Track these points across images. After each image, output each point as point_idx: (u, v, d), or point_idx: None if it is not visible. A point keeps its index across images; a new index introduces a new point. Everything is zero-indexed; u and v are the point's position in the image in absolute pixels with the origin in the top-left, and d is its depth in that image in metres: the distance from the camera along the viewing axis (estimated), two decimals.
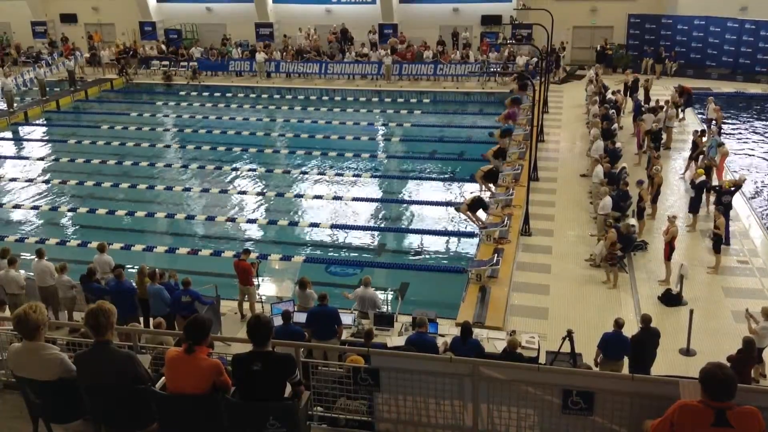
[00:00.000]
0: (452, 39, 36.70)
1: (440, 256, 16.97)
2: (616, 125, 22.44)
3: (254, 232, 18.64)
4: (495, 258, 14.80)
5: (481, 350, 10.33)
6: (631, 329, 11.31)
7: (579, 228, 17.37)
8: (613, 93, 26.47)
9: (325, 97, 33.14)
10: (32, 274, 13.38)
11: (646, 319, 10.87)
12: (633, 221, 16.14)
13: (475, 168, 20.12)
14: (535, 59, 32.25)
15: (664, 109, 22.82)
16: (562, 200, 19.04)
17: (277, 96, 33.45)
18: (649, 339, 10.79)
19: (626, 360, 10.86)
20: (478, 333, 11.29)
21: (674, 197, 19.11)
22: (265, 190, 21.39)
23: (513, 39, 34.50)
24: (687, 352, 12.11)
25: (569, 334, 10.23)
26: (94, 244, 16.27)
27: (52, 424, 5.66)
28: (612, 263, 14.62)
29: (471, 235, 17.62)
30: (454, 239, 17.75)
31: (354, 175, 22.33)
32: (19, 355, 5.23)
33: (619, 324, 10.80)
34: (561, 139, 24.64)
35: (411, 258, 16.81)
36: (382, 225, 18.56)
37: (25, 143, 28.25)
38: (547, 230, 17.04)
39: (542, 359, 10.75)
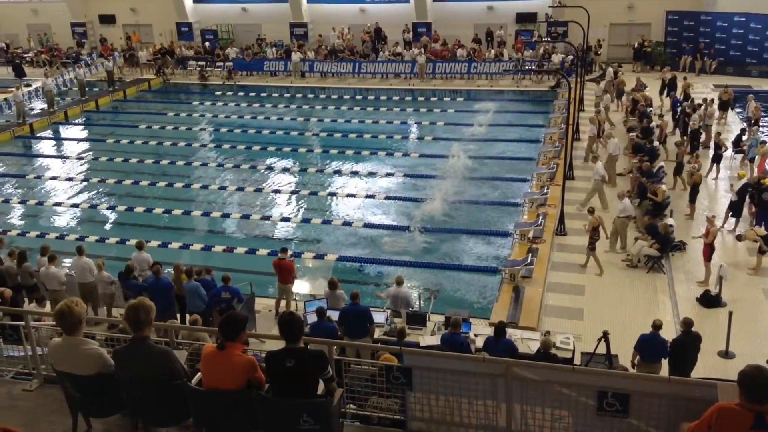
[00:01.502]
0: (486, 37, 36.49)
1: (473, 255, 16.87)
2: (653, 123, 22.09)
3: (288, 230, 18.77)
4: (529, 258, 14.69)
5: (515, 350, 10.25)
6: (668, 331, 11.13)
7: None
8: (632, 91, 26.08)
9: (358, 97, 33.23)
10: (72, 271, 13.67)
11: (687, 323, 10.61)
12: (671, 221, 15.87)
13: (507, 165, 19.95)
14: (570, 57, 31.92)
15: (702, 108, 22.40)
16: (599, 199, 18.79)
17: (311, 95, 33.64)
18: (690, 343, 10.56)
19: (665, 363, 10.67)
20: (511, 333, 11.21)
21: (713, 197, 18.74)
22: (298, 189, 21.53)
23: (548, 37, 34.18)
24: (726, 354, 11.88)
25: (605, 336, 10.11)
26: (132, 242, 16.61)
27: (90, 418, 5.78)
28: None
29: (505, 234, 17.50)
30: (487, 238, 17.64)
31: (386, 174, 22.33)
32: (59, 350, 5.34)
33: (656, 325, 10.62)
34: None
35: (444, 257, 16.75)
36: (415, 224, 18.49)
37: (65, 142, 28.85)
38: (582, 230, 16.83)
39: (577, 360, 10.63)
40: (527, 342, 11.30)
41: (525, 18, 36.22)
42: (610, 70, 29.45)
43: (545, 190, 18.58)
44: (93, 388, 5.37)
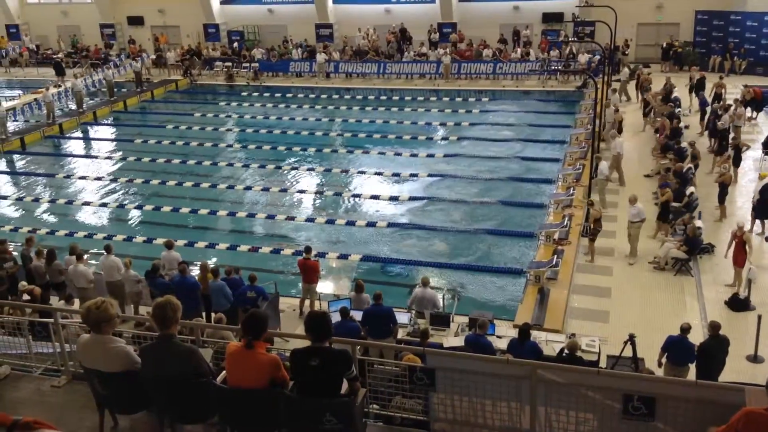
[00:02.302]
0: (512, 37, 36.31)
1: (498, 256, 16.80)
2: (682, 124, 21.83)
3: (312, 230, 18.84)
4: (554, 259, 14.57)
5: (540, 353, 10.19)
6: (696, 334, 10.98)
7: (643, 230, 16.93)
8: (646, 91, 25.82)
9: (383, 97, 33.26)
10: (100, 269, 13.86)
11: (714, 327, 10.42)
12: (699, 223, 15.65)
13: (532, 166, 19.86)
14: (597, 57, 31.64)
15: (732, 108, 22.07)
16: (625, 201, 18.56)
17: (336, 96, 33.74)
18: (717, 347, 10.38)
19: (692, 367, 10.53)
20: (536, 335, 11.14)
21: (743, 198, 18.44)
22: (323, 189, 21.61)
23: (575, 37, 33.92)
24: (754, 358, 11.68)
25: (631, 339, 10.01)
26: (159, 241, 16.82)
27: (117, 415, 5.85)
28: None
29: (529, 235, 17.40)
30: (512, 239, 17.55)
31: (411, 175, 22.32)
32: (87, 347, 5.41)
33: (683, 329, 10.48)
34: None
35: (468, 258, 16.70)
36: (439, 225, 18.48)
37: (93, 142, 29.28)
38: (609, 231, 16.65)
39: (603, 363, 10.53)
40: (552, 344, 11.22)
41: (551, 18, 35.97)
42: (626, 70, 29.19)
43: (571, 191, 18.44)
44: (119, 385, 5.43)
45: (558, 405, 5.42)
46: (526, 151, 24.41)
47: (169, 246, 14.25)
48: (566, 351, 10.09)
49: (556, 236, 15.95)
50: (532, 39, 36.07)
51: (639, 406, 5.11)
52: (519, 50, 34.80)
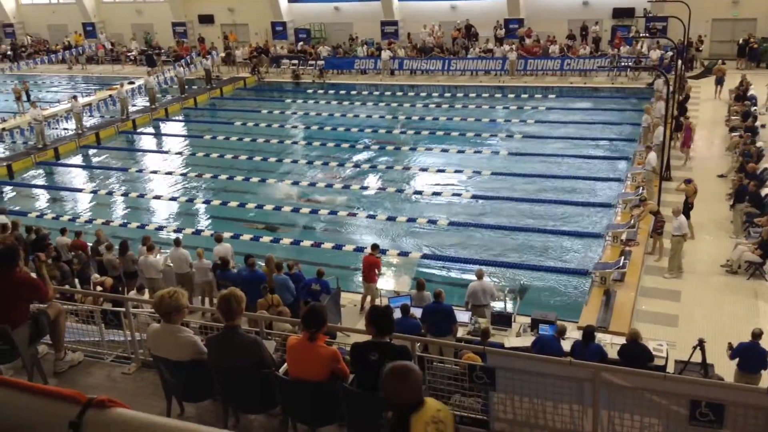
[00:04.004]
0: (581, 33, 35.59)
1: (562, 256, 16.52)
2: (758, 122, 20.97)
3: (373, 227, 18.93)
4: (621, 261, 14.22)
5: (604, 356, 9.98)
6: None
7: (715, 231, 16.38)
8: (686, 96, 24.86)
9: (447, 94, 33.09)
10: (169, 262, 14.28)
11: None
12: None
13: (600, 165, 19.42)
14: (669, 53, 30.68)
15: None
16: (698, 201, 17.98)
17: (400, 93, 33.74)
18: None
19: (765, 375, 10.12)
20: (600, 338, 10.91)
21: None
22: (385, 186, 21.68)
23: (646, 32, 32.97)
24: None
25: (700, 344, 9.71)
26: (226, 234, 17.27)
27: (184, 402, 6.03)
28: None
29: (595, 236, 17.05)
30: (577, 239, 17.23)
31: (474, 172, 22.16)
32: (156, 336, 5.60)
33: (755, 334, 10.09)
34: (697, 137, 23.28)
35: (531, 257, 16.47)
36: (502, 223, 18.28)
37: (164, 138, 30.19)
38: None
39: (670, 368, 10.24)
40: (617, 347, 10.96)
41: (622, 13, 35.02)
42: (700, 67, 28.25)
43: (640, 191, 17.95)
44: (187, 374, 5.59)
45: (622, 409, 5.31)
46: (592, 149, 23.91)
47: (218, 240, 14.62)
48: (627, 341, 9.89)
49: (623, 237, 15.57)
50: (602, 35, 35.26)
51: (707, 413, 4.96)
52: (588, 46, 34.08)
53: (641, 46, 32.85)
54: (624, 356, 9.91)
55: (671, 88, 19.80)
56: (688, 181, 16.87)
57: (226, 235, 18.01)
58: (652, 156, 18.17)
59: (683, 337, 11.68)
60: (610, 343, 11.05)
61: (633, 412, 5.26)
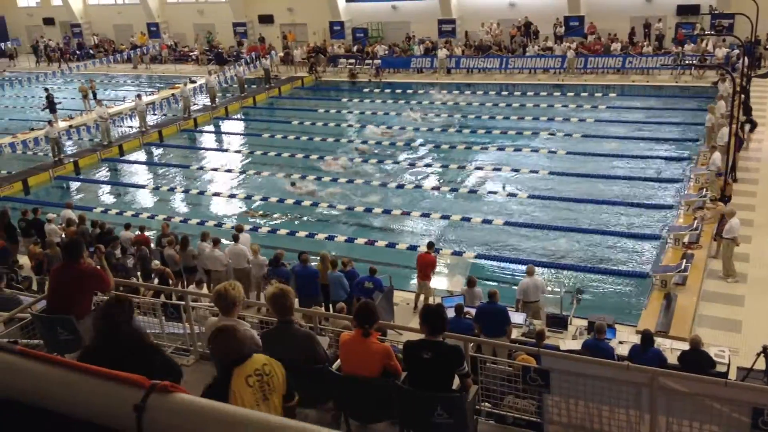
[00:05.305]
0: (644, 30, 34.75)
1: (620, 258, 16.17)
2: None
3: (428, 225, 18.90)
4: (683, 264, 13.83)
5: (663, 360, 9.73)
6: None
7: None
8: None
9: (504, 93, 32.76)
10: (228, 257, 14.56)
11: None
12: None
13: (662, 165, 18.95)
14: (736, 51, 29.67)
15: None
16: (765, 204, 17.38)
17: (456, 92, 33.59)
18: None
19: None
20: (660, 342, 10.65)
21: None
22: (439, 185, 21.62)
23: (712, 30, 31.97)
24: None
25: (765, 350, 9.35)
26: (282, 231, 17.54)
27: None
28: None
29: (656, 237, 16.64)
30: (636, 241, 16.84)
31: (530, 172, 21.89)
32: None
33: None
34: (764, 137, 22.48)
35: (589, 259, 16.18)
36: (558, 224, 18.01)
37: (224, 136, 30.79)
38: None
39: (732, 375, 9.92)
40: (677, 353, 10.68)
41: (686, 10, 34.07)
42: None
43: (703, 192, 17.44)
44: None
45: (680, 415, 5.18)
46: (654, 148, 23.34)
47: (239, 230, 14.90)
48: (690, 347, 9.62)
49: (685, 239, 15.15)
50: (665, 32, 34.35)
51: None
52: (648, 44, 33.26)
53: (706, 44, 31.95)
54: (684, 363, 9.64)
55: (737, 88, 19.14)
56: (719, 174, 16.93)
57: (282, 232, 18.32)
58: (717, 156, 17.65)
59: (747, 344, 11.28)
60: (670, 348, 10.78)
61: (692, 419, 5.13)
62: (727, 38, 30.67)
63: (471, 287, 12.58)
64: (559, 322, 11.96)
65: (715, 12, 32.51)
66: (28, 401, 1.71)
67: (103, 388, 1.69)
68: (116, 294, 5.73)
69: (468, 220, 18.80)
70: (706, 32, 31.68)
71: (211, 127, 31.34)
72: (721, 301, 13.36)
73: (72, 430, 1.69)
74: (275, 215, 20.16)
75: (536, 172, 21.84)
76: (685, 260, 14.03)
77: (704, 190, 17.54)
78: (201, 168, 25.40)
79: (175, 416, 1.63)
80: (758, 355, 9.33)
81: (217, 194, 22.39)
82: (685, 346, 10.92)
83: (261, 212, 20.43)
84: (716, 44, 31.65)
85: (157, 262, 14.38)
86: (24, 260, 15.74)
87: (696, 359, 9.65)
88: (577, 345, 10.72)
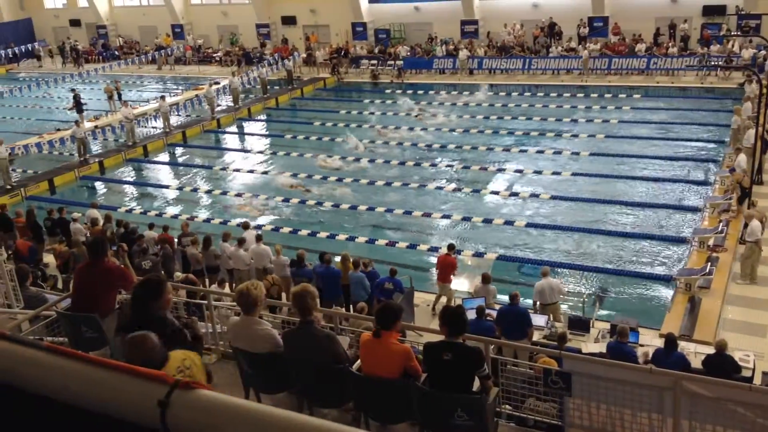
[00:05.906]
0: (669, 31, 34.39)
1: (644, 261, 16.01)
2: None
3: (449, 227, 18.86)
4: (708, 267, 13.67)
5: (687, 364, 9.63)
6: None
7: None
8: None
9: (527, 93, 32.59)
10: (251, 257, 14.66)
11: None
12: None
13: (687, 167, 18.74)
14: (763, 52, 29.26)
15: None
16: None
17: (478, 92, 33.44)
18: None
19: None
20: (684, 346, 10.54)
21: None
22: (461, 186, 21.55)
23: (738, 31, 31.55)
24: None
25: None
26: (303, 232, 17.59)
27: (261, 394, 6.20)
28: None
29: (680, 240, 16.46)
30: (660, 244, 16.66)
31: (553, 173, 21.76)
32: (236, 328, 5.77)
33: None
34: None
35: (611, 262, 16.04)
36: (581, 226, 17.87)
37: (247, 137, 30.98)
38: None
39: (757, 380, 9.78)
40: (701, 357, 10.56)
41: (712, 10, 33.64)
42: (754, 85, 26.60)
43: (729, 195, 17.22)
44: (264, 366, 5.74)
45: (704, 420, 5.12)
46: (679, 151, 23.08)
47: (245, 227, 15.03)
48: (715, 351, 9.51)
49: (710, 242, 14.97)
50: (690, 33, 33.96)
51: None
52: (676, 45, 32.90)
53: (732, 45, 31.55)
54: (708, 367, 9.53)
55: (764, 90, 18.88)
56: (732, 170, 16.77)
57: (303, 233, 18.39)
58: (742, 158, 17.42)
59: None
60: (694, 352, 10.67)
61: (715, 424, 5.07)
62: (754, 39, 30.26)
63: (485, 284, 12.55)
64: (581, 325, 11.89)
65: (742, 12, 32.06)
66: (54, 397, 1.75)
67: (128, 383, 1.72)
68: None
69: (490, 221, 18.74)
70: (733, 33, 31.28)
71: (234, 128, 31.54)
72: (746, 305, 13.19)
73: (97, 425, 1.72)
74: (294, 217, 20.23)
75: (559, 173, 21.70)
76: (709, 263, 13.87)
77: (729, 192, 17.33)
78: (224, 168, 25.56)
79: (199, 412, 1.65)
80: None
81: (239, 195, 22.50)
82: (710, 350, 10.80)
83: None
84: (742, 45, 31.23)
85: (178, 274, 14.46)
86: (49, 259, 15.97)
87: (720, 363, 9.53)
88: (599, 348, 10.65)
